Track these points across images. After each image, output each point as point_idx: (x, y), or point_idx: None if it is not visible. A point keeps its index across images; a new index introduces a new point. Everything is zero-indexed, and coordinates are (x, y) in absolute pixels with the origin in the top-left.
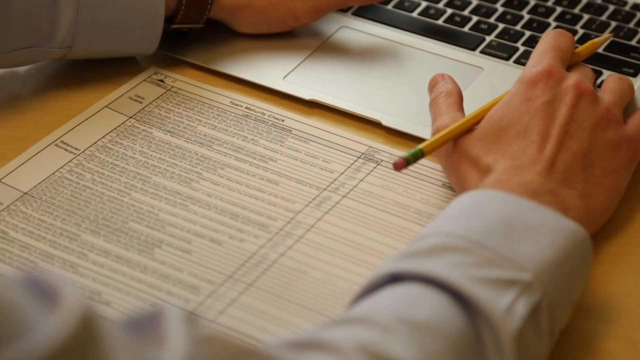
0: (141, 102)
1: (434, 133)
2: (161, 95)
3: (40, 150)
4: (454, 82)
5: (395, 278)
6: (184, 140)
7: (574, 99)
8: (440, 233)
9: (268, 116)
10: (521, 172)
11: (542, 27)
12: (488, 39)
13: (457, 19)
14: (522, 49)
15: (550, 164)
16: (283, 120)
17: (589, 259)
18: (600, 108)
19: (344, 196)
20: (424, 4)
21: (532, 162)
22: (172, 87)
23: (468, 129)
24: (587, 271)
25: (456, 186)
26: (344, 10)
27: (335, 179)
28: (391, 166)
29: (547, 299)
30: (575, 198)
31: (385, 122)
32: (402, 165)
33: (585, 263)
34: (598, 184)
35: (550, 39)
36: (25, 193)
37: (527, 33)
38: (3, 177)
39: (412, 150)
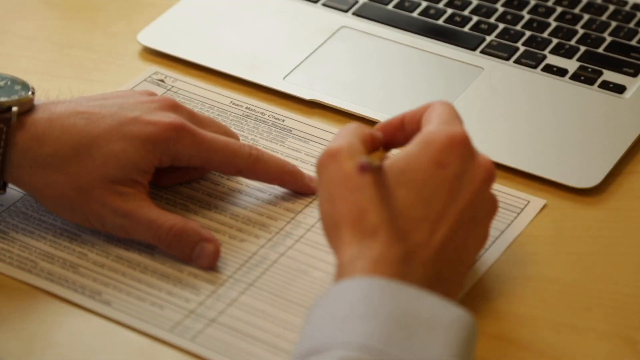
0: None
1: (327, 152)
2: (161, 95)
3: None
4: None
5: None
6: None
7: (482, 184)
8: (337, 345)
9: (268, 116)
10: (408, 256)
11: (542, 27)
12: (488, 39)
13: (457, 19)
14: (522, 49)
15: (436, 254)
16: (283, 120)
17: (475, 341)
18: (494, 202)
19: None
20: (424, 4)
21: (422, 245)
22: (172, 87)
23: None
24: (474, 350)
25: (325, 217)
26: (344, 11)
27: None
28: None
29: None
30: (442, 291)
31: None
32: (367, 168)
33: (474, 346)
34: (461, 275)
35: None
36: (26, 194)
37: (527, 33)
38: None
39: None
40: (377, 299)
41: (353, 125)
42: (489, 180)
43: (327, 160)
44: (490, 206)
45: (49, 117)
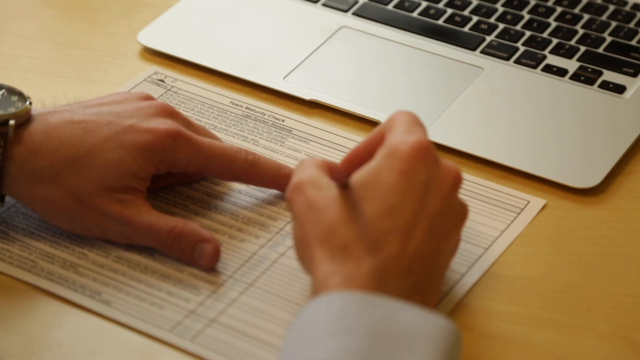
0: None
1: (291, 187)
2: (161, 95)
3: None
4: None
5: None
6: None
7: (450, 189)
8: None
9: (268, 116)
10: (383, 268)
11: (542, 27)
12: (488, 39)
13: (457, 19)
14: (522, 49)
15: (411, 263)
16: (283, 121)
17: (460, 349)
18: (463, 207)
19: None
20: (424, 4)
21: (396, 256)
22: (172, 87)
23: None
24: (460, 356)
25: (298, 244)
26: (344, 11)
27: None
28: None
29: None
30: (419, 300)
31: None
32: None
33: (459, 353)
34: (437, 283)
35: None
36: None
37: (527, 33)
38: None
39: None
40: (353, 314)
41: (307, 159)
42: (456, 185)
43: (293, 194)
44: (461, 212)
45: (45, 128)
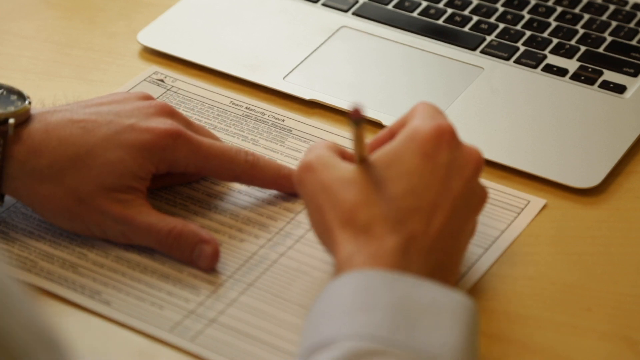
0: None
1: (301, 166)
2: (161, 95)
3: None
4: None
5: None
6: None
7: (472, 172)
8: (343, 337)
9: (268, 116)
10: (406, 246)
11: (543, 26)
12: (488, 38)
13: (458, 18)
14: (522, 48)
15: (434, 242)
16: (283, 120)
17: (478, 325)
18: (483, 190)
19: None
20: (424, 4)
21: (419, 234)
22: (172, 87)
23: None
24: (478, 334)
25: (316, 226)
26: (344, 11)
27: None
28: None
29: None
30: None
31: (385, 122)
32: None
33: (477, 329)
34: (457, 264)
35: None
36: None
37: (528, 33)
38: None
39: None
40: (376, 290)
41: (319, 141)
42: (478, 168)
43: (304, 174)
44: (481, 195)
45: (44, 127)
